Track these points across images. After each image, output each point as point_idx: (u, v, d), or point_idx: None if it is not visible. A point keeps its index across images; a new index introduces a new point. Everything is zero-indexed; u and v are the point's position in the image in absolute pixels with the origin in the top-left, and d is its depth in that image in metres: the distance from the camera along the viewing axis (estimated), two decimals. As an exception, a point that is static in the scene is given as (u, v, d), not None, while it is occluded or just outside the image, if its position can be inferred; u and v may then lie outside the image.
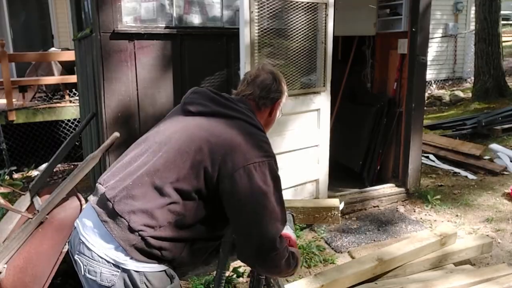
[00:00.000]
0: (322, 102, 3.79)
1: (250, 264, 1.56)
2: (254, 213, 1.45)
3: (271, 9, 3.32)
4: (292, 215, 1.96)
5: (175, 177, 1.45)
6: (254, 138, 1.53)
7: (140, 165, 1.52)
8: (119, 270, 1.44)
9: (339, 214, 3.47)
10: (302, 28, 3.53)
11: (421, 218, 4.02)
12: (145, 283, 1.45)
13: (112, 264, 1.44)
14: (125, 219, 1.44)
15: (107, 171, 1.63)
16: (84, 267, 1.48)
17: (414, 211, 4.18)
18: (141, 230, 1.43)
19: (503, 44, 9.35)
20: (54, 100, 6.76)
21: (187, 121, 1.58)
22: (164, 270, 1.49)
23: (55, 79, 6.81)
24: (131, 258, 1.44)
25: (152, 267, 1.46)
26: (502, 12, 9.27)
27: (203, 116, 1.58)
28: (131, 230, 1.43)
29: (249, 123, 1.58)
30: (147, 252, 1.45)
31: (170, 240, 1.47)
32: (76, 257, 1.52)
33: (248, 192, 1.44)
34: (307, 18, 3.54)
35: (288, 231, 1.78)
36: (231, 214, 1.49)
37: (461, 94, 9.85)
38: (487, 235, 3.40)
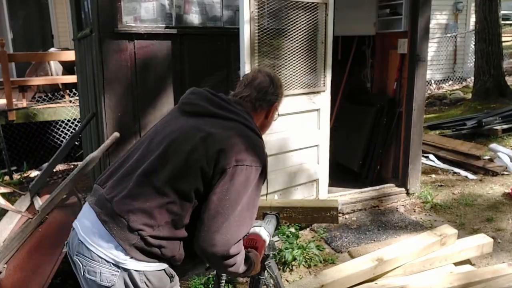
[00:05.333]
0: (322, 102, 3.79)
1: (202, 257, 1.51)
2: (221, 210, 1.45)
3: (271, 9, 3.32)
4: (277, 217, 1.93)
5: (172, 177, 1.46)
6: (249, 141, 1.54)
7: (138, 165, 1.52)
8: (119, 270, 1.45)
9: (338, 214, 3.48)
10: (302, 28, 3.53)
11: (421, 218, 4.02)
12: (145, 282, 1.46)
13: (112, 264, 1.45)
14: (124, 218, 1.45)
15: (105, 172, 1.64)
16: (84, 267, 1.48)
17: (414, 211, 4.18)
18: (140, 230, 1.44)
19: (503, 44, 9.33)
20: (54, 100, 6.76)
21: (184, 121, 1.59)
22: (164, 269, 1.50)
23: (55, 79, 6.81)
24: (131, 257, 1.44)
25: (151, 266, 1.47)
26: (502, 12, 9.26)
27: (200, 117, 1.59)
28: (131, 229, 1.44)
29: (245, 125, 1.58)
30: (147, 251, 1.45)
31: (169, 239, 1.47)
32: (75, 258, 1.52)
33: (224, 190, 1.45)
34: (307, 18, 3.54)
35: (262, 232, 1.76)
36: (204, 205, 1.48)
37: (461, 94, 9.84)
38: (487, 235, 3.40)
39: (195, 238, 1.47)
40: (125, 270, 1.45)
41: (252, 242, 1.72)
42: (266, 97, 1.71)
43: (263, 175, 1.55)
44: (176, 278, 1.56)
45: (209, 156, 1.47)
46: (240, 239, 1.51)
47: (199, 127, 1.54)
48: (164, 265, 1.50)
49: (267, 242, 1.79)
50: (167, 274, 1.51)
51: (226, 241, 1.44)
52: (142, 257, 1.45)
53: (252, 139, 1.56)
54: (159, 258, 1.48)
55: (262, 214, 1.94)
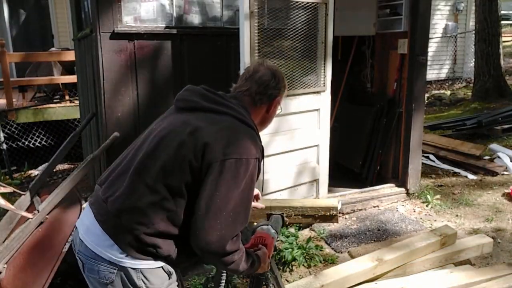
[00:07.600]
0: (322, 102, 3.78)
1: (200, 255, 1.50)
2: (213, 207, 1.41)
3: (271, 8, 3.33)
4: (282, 217, 1.93)
5: (162, 173, 1.46)
6: (238, 134, 1.51)
7: (131, 164, 1.53)
8: (116, 268, 1.46)
9: (338, 214, 3.48)
10: (302, 28, 3.53)
11: (421, 218, 4.02)
12: (142, 279, 1.47)
13: (109, 262, 1.47)
14: (118, 218, 1.46)
15: (105, 171, 1.66)
16: (84, 265, 1.53)
17: (414, 211, 4.18)
18: (134, 228, 1.44)
19: (503, 44, 9.35)
20: (54, 100, 6.77)
21: (176, 118, 1.59)
22: (161, 267, 1.50)
23: (55, 79, 6.81)
24: (127, 255, 1.46)
25: (148, 264, 1.48)
26: (502, 12, 9.27)
27: (191, 112, 1.58)
28: (125, 228, 1.45)
29: (237, 118, 1.55)
30: (142, 249, 1.46)
31: (163, 237, 1.47)
32: (77, 256, 1.57)
33: (214, 185, 1.42)
34: (307, 18, 3.54)
35: (269, 231, 1.75)
36: (196, 202, 1.45)
37: (461, 94, 9.85)
38: (487, 235, 3.40)
39: (190, 237, 1.45)
40: (122, 268, 1.46)
41: (261, 240, 1.71)
42: (267, 91, 1.66)
43: (256, 168, 1.51)
44: (174, 275, 1.56)
45: (197, 150, 1.44)
46: (237, 236, 1.48)
47: (189, 121, 1.52)
48: (162, 263, 1.50)
49: (275, 240, 1.78)
50: (165, 271, 1.52)
51: (221, 237, 1.41)
52: (138, 255, 1.46)
53: (242, 132, 1.52)
54: (155, 256, 1.48)
55: (266, 215, 1.94)
